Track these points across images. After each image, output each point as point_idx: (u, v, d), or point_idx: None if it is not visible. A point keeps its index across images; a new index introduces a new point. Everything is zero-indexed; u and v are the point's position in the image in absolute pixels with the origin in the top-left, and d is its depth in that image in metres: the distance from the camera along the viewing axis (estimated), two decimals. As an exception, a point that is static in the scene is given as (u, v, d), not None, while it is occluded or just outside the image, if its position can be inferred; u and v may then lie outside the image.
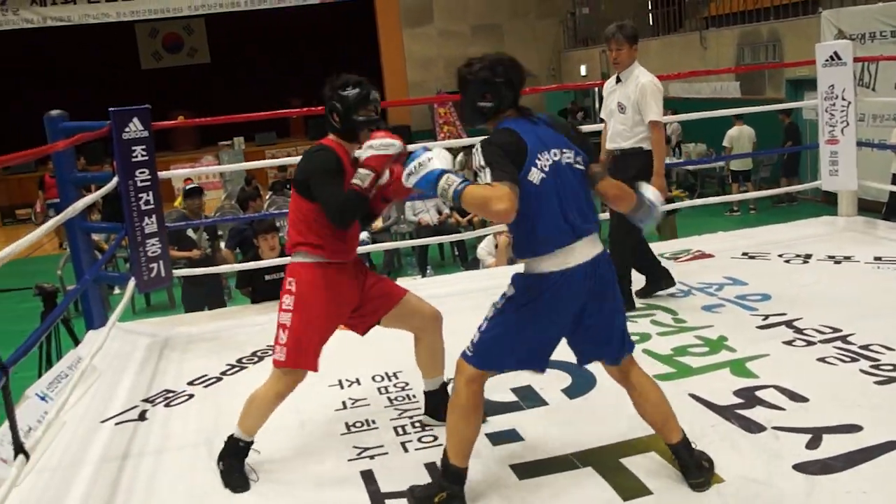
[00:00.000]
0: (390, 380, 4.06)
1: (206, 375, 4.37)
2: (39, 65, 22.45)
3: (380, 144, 3.15)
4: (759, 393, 3.49)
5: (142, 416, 3.91)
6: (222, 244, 10.34)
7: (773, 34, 14.00)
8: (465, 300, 5.29)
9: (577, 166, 2.82)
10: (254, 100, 14.03)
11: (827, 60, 6.15)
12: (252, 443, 3.30)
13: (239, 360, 4.56)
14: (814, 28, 11.85)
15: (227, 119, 6.21)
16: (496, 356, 2.94)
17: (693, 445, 2.93)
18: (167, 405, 4.03)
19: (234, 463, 3.25)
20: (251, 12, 21.46)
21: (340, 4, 22.06)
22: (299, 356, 3.28)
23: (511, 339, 2.90)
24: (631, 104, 4.68)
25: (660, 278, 5.02)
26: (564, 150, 2.80)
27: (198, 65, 25.28)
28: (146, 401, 4.10)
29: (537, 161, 2.72)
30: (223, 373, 4.40)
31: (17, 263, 12.56)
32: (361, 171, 3.14)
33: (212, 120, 6.29)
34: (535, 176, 2.71)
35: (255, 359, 4.57)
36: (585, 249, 2.79)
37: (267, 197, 12.75)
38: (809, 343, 4.02)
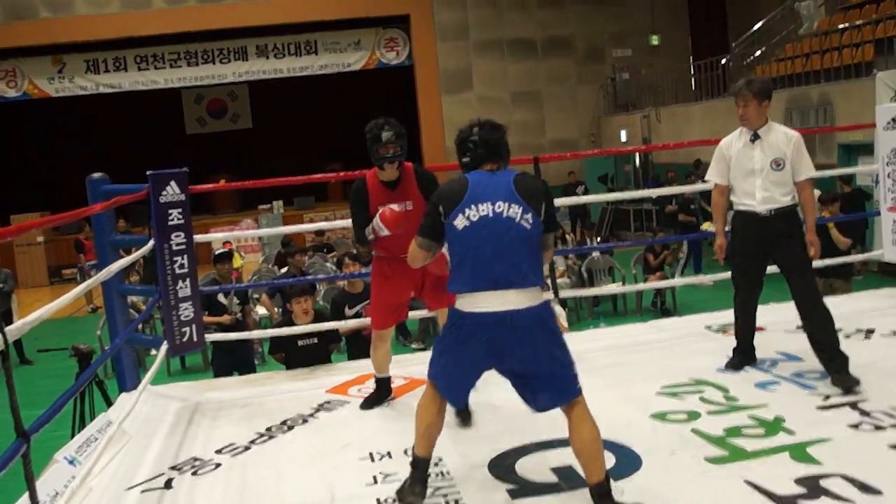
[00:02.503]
0: (424, 455, 3.83)
1: (233, 444, 4.22)
2: (90, 129, 23.04)
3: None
4: (823, 482, 3.22)
5: (168, 485, 3.79)
6: (258, 306, 10.30)
7: (824, 98, 13.75)
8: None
9: (522, 223, 3.07)
10: (294, 164, 14.14)
11: (889, 123, 5.91)
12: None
13: (268, 429, 4.41)
14: (867, 91, 11.58)
15: (265, 183, 6.16)
16: (433, 373, 3.33)
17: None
18: (194, 474, 3.89)
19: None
20: (293, 79, 21.93)
21: (381, 71, 22.39)
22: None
23: (437, 362, 3.31)
24: (788, 160, 4.46)
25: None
26: (511, 205, 3.07)
27: (240, 130, 25.74)
28: (174, 468, 3.98)
29: (466, 210, 3.09)
30: (252, 441, 4.25)
31: (60, 323, 12.70)
32: (375, 221, 4.11)
33: (249, 184, 6.26)
34: (459, 222, 3.11)
35: (285, 428, 4.42)
36: (505, 298, 3.03)
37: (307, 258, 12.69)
38: (878, 427, 3.72)
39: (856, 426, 3.76)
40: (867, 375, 4.40)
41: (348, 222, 7.17)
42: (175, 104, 24.87)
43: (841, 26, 14.87)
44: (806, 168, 4.48)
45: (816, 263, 4.91)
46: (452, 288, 3.15)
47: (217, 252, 8.17)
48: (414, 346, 10.11)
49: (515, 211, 3.07)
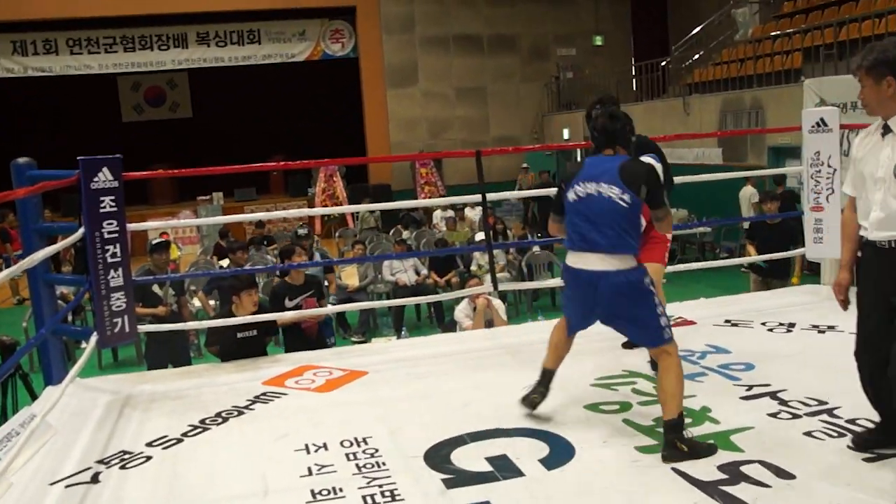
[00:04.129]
0: (359, 445, 3.86)
1: (165, 437, 4.16)
2: (17, 115, 22.37)
3: None
4: (744, 468, 3.35)
5: (94, 479, 3.70)
6: (195, 298, 10.17)
7: (756, 102, 14.14)
8: (439, 364, 5.18)
9: (620, 202, 3.61)
10: (235, 155, 13.95)
11: (813, 127, 6.10)
12: None
13: (202, 421, 4.36)
14: (796, 96, 11.89)
15: (203, 171, 6.02)
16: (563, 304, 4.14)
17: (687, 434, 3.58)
18: (122, 467, 3.81)
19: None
20: (235, 68, 21.64)
21: (325, 63, 22.26)
22: None
23: (564, 295, 4.08)
24: None
25: None
26: (613, 187, 3.64)
27: (180, 119, 25.25)
28: (101, 462, 3.88)
29: (576, 186, 3.74)
30: (185, 434, 4.20)
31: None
32: None
33: (186, 171, 6.12)
34: (570, 195, 3.78)
35: (220, 420, 4.37)
36: (593, 261, 3.67)
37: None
38: (795, 416, 3.89)
39: (775, 415, 3.91)
40: (787, 366, 4.60)
41: (289, 213, 7.08)
42: (110, 91, 24.24)
43: (773, 34, 15.31)
44: None
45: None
46: (565, 244, 3.86)
47: (154, 242, 8.04)
48: (354, 338, 10.12)
49: (615, 191, 3.62)
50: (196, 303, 10.26)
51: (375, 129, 22.16)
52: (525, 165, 19.79)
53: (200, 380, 5.18)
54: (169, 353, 7.02)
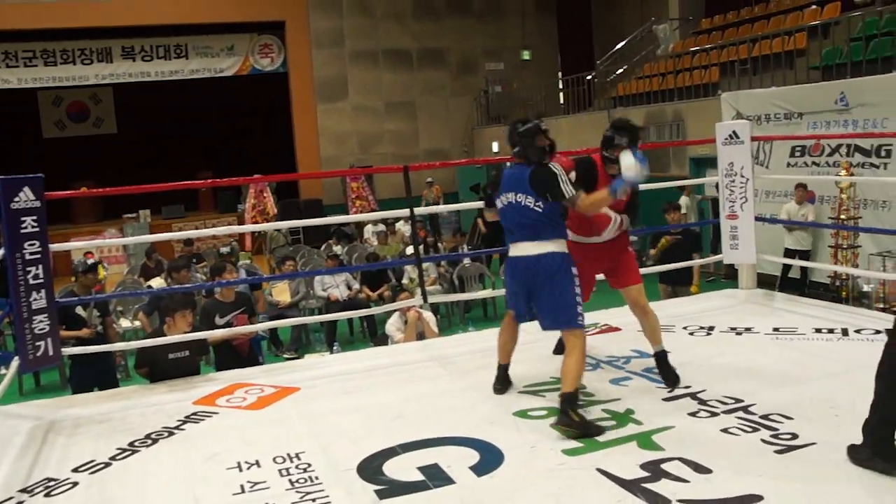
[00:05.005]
0: (292, 461, 3.89)
1: (92, 461, 4.08)
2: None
3: None
4: (664, 466, 3.49)
5: (17, 509, 3.61)
6: (122, 319, 10.01)
7: (677, 114, 14.57)
8: (371, 377, 5.23)
9: (535, 208, 4.16)
10: (162, 172, 13.79)
11: (727, 139, 6.38)
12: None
13: (131, 444, 4.29)
14: (714, 109, 12.36)
15: (130, 190, 5.87)
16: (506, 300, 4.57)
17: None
18: (47, 495, 3.72)
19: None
20: (162, 83, 21.33)
21: (254, 77, 22.13)
22: None
23: (506, 292, 4.56)
24: None
25: None
26: (528, 196, 4.18)
27: (104, 135, 24.67)
28: (24, 491, 3.78)
29: (500, 197, 4.32)
30: (113, 457, 4.13)
31: None
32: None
33: (114, 190, 5.93)
34: (498, 203, 4.36)
35: (149, 441, 4.31)
36: (526, 248, 4.23)
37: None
38: (713, 414, 4.06)
39: (694, 414, 4.09)
40: (707, 368, 4.80)
41: (219, 230, 7.06)
42: (30, 106, 23.57)
43: (692, 49, 15.85)
44: None
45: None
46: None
47: (88, 262, 7.86)
48: (286, 355, 10.08)
49: (530, 200, 4.18)
50: (123, 323, 10.10)
51: (305, 143, 22.09)
52: (430, 180, 19.90)
53: (128, 402, 5.10)
54: (95, 375, 6.83)
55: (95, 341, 6.84)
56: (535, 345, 5.61)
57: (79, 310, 7.11)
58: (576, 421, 3.91)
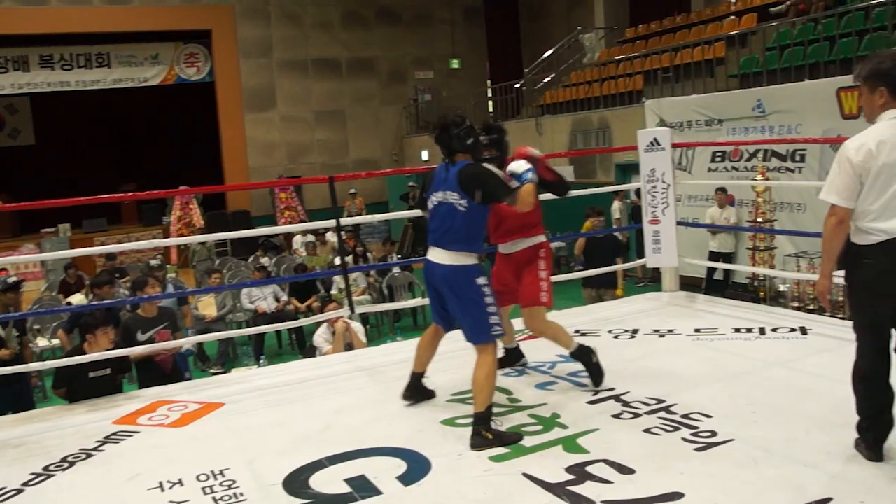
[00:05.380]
0: (216, 478, 3.81)
1: (4, 488, 3.91)
2: None
3: None
4: (589, 468, 3.54)
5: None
6: (39, 338, 9.68)
7: (603, 121, 14.86)
8: (298, 390, 5.19)
9: (458, 206, 4.05)
10: (83, 184, 13.46)
11: (648, 146, 6.52)
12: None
13: (46, 468, 4.12)
14: (638, 116, 12.64)
15: (49, 203, 5.59)
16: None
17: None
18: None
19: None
20: (83, 92, 20.84)
21: (180, 87, 21.80)
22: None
23: None
24: None
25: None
26: (453, 193, 4.06)
27: (21, 146, 23.92)
28: None
29: (431, 196, 4.20)
30: (26, 483, 3.96)
31: None
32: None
33: (31, 204, 5.64)
34: (429, 203, 4.22)
35: (66, 465, 4.15)
36: (439, 255, 4.12)
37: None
38: (636, 415, 4.13)
39: (618, 416, 4.16)
40: (630, 370, 4.90)
41: (142, 244, 6.95)
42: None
43: (617, 58, 16.16)
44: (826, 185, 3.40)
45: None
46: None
47: (9, 281, 7.57)
48: (213, 370, 9.94)
49: (454, 197, 4.05)
50: (41, 342, 9.83)
51: (233, 154, 21.85)
52: (353, 191, 19.89)
53: (44, 424, 4.90)
54: (10, 398, 6.50)
55: (13, 362, 6.56)
56: (463, 353, 5.62)
57: (-4, 330, 6.84)
58: (490, 440, 3.88)
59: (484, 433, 3.89)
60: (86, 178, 18.82)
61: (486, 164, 4.18)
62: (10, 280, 7.53)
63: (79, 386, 5.36)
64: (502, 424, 4.09)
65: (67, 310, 8.55)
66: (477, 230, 4.16)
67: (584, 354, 4.68)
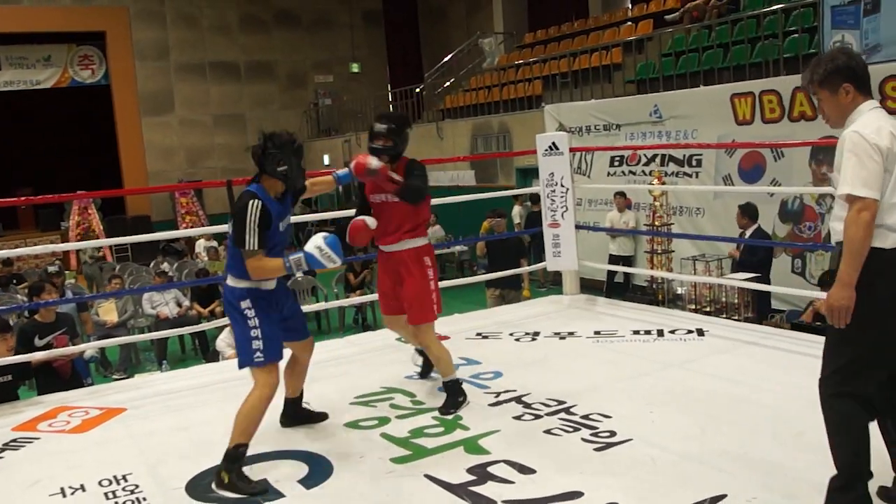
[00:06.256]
0: (118, 483, 3.79)
1: None
2: None
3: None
4: (490, 468, 3.61)
5: None
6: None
7: (503, 126, 15.05)
8: (200, 395, 5.15)
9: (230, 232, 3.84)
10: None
11: (547, 150, 6.66)
12: None
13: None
14: (538, 121, 12.86)
15: None
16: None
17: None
18: None
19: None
20: (-29, 95, 20.12)
21: (75, 89, 21.21)
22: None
23: None
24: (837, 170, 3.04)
25: None
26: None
27: None
28: None
29: None
30: None
31: None
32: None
33: None
34: None
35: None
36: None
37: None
38: (537, 416, 4.23)
39: (519, 417, 4.25)
40: (532, 372, 5.00)
41: (39, 249, 6.78)
42: None
43: (516, 63, 16.40)
44: (844, 179, 2.93)
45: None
46: None
47: None
48: (115, 376, 9.73)
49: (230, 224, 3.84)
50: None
51: (131, 158, 21.35)
52: None
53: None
54: None
55: None
56: (364, 356, 5.71)
57: None
58: (224, 483, 3.60)
59: (222, 474, 3.62)
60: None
61: (252, 202, 3.76)
62: None
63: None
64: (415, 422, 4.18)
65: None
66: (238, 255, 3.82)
67: (455, 390, 4.48)
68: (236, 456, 3.64)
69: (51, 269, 11.09)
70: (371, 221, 4.34)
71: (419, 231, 4.51)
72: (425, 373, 5.03)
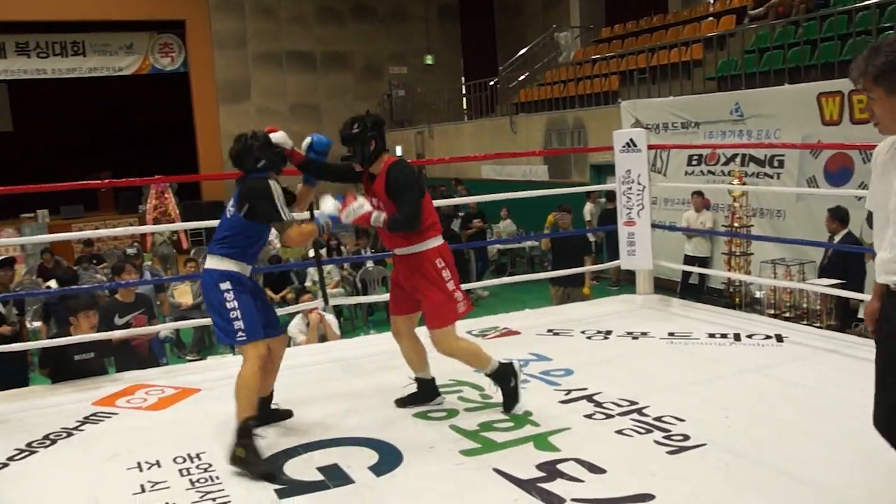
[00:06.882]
0: (192, 461, 3.88)
1: None
2: None
3: None
4: (560, 466, 3.58)
5: None
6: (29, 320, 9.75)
7: (578, 121, 14.90)
8: (278, 377, 5.20)
9: (227, 213, 4.05)
10: (60, 171, 13.39)
11: (624, 147, 6.56)
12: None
13: (29, 445, 4.22)
14: (614, 117, 12.70)
15: (28, 189, 5.76)
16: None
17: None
18: (-61, 497, 3.66)
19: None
20: (59, 80, 20.71)
21: (156, 76, 21.69)
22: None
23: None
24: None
25: None
26: (234, 205, 4.01)
27: (-2, 133, 23.85)
28: None
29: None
30: (10, 458, 4.06)
31: None
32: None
33: (10, 189, 5.78)
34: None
35: (48, 442, 4.25)
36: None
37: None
38: (608, 416, 4.17)
39: (590, 416, 4.19)
40: (603, 371, 4.94)
41: (119, 231, 6.91)
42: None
43: (593, 57, 16.21)
44: None
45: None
46: None
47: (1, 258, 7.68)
48: (189, 357, 9.95)
49: (231, 207, 4.01)
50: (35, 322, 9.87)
51: (208, 144, 21.76)
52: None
53: (27, 402, 5.02)
54: (7, 374, 6.68)
55: (12, 339, 6.74)
56: (432, 348, 5.69)
57: (-2, 307, 6.99)
58: (239, 458, 3.67)
59: (235, 450, 3.69)
60: (63, 165, 18.65)
61: (272, 182, 3.99)
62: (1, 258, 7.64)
63: (64, 367, 5.45)
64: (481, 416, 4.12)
65: (48, 293, 8.58)
66: (235, 235, 4.00)
67: (504, 376, 4.29)
68: (247, 429, 3.74)
69: (129, 251, 11.39)
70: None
71: (427, 233, 4.19)
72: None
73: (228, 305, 3.89)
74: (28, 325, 9.85)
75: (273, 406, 4.37)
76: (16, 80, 20.90)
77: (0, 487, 3.74)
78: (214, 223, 7.17)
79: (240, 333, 3.90)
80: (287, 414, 4.39)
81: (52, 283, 10.84)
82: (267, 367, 4.14)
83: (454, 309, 4.22)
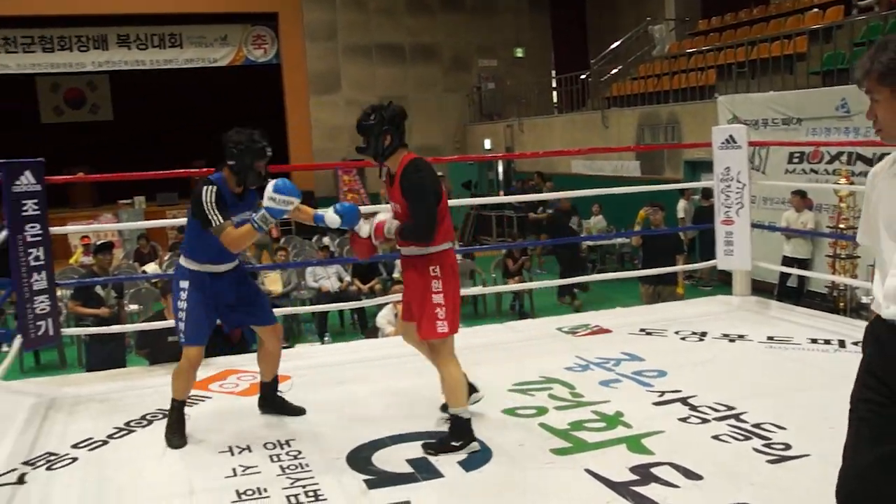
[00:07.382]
0: (283, 448, 3.93)
1: (91, 438, 4.16)
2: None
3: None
4: (654, 470, 3.49)
5: (20, 480, 3.69)
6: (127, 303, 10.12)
7: (672, 116, 14.57)
8: (361, 369, 5.27)
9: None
10: (156, 159, 13.75)
11: (723, 143, 6.35)
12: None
13: (127, 424, 4.37)
14: (710, 112, 12.39)
15: (127, 176, 6.04)
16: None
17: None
18: (49, 468, 3.81)
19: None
20: (157, 71, 21.32)
21: (248, 68, 22.10)
22: (455, 322, 3.87)
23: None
24: None
25: None
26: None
27: (100, 121, 24.74)
28: (27, 463, 3.88)
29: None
30: (110, 436, 4.21)
31: None
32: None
33: (110, 176, 6.09)
34: None
35: (145, 422, 4.39)
36: None
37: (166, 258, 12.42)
38: (704, 420, 4.05)
39: (685, 419, 4.08)
40: (698, 374, 4.80)
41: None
42: (29, 91, 23.65)
43: (688, 51, 15.83)
44: None
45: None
46: None
47: (99, 242, 8.02)
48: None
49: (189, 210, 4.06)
50: (133, 305, 10.20)
51: (298, 135, 22.06)
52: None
53: (126, 383, 5.17)
54: (107, 355, 6.98)
55: (110, 321, 7.03)
56: (524, 343, 5.65)
57: (98, 289, 7.29)
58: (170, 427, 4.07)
59: (169, 424, 4.08)
60: (159, 154, 19.19)
61: (209, 187, 3.95)
62: (100, 242, 7.97)
63: (159, 349, 5.60)
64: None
65: (144, 277, 8.85)
66: (195, 234, 4.02)
67: (459, 431, 3.81)
68: (175, 411, 4.08)
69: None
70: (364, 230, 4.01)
71: (436, 237, 3.84)
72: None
73: (180, 304, 4.04)
74: (126, 307, 10.21)
75: (279, 394, 4.49)
76: (116, 72, 21.52)
77: (101, 463, 3.87)
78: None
79: (181, 334, 4.07)
80: (300, 411, 4.39)
81: (148, 268, 11.18)
82: (263, 354, 4.37)
83: (434, 327, 3.80)
